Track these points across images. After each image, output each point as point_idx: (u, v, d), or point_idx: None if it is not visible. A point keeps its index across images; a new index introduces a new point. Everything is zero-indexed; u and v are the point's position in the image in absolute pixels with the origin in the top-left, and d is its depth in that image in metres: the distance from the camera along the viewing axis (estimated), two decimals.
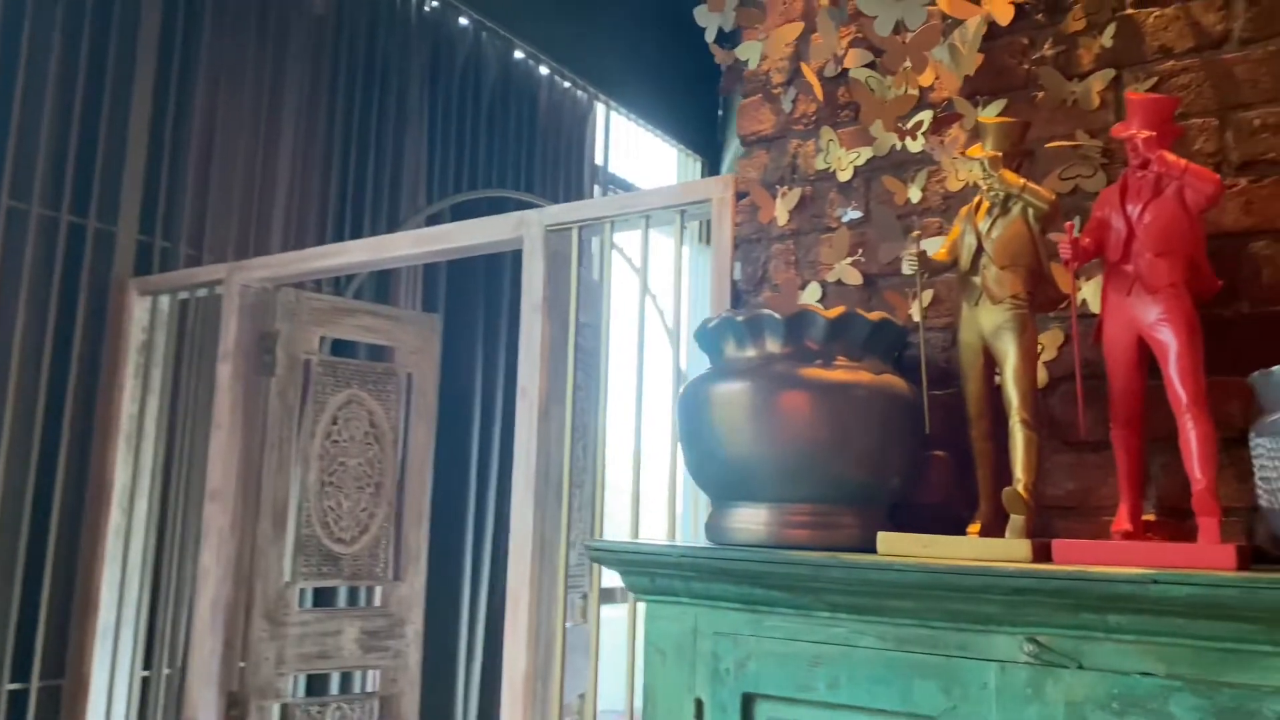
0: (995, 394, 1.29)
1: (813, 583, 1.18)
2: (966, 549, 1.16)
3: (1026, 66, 1.53)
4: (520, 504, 1.98)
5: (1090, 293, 1.40)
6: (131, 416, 2.69)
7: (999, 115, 1.51)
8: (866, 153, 1.65)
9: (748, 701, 1.24)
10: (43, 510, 2.56)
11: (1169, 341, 1.14)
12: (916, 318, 1.53)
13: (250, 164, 3.05)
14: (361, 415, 2.79)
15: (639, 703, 1.94)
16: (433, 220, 3.37)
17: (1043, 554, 1.13)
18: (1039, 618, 1.03)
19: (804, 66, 1.71)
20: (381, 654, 2.76)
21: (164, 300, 2.76)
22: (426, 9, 3.64)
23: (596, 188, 4.39)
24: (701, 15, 1.79)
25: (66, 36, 2.65)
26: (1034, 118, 1.48)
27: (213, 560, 2.50)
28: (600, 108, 4.48)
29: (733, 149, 4.89)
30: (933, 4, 1.54)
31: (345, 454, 2.74)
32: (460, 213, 3.21)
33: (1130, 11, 1.45)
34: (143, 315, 2.73)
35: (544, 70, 4.12)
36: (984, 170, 1.28)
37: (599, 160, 4.46)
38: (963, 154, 1.54)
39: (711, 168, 5.13)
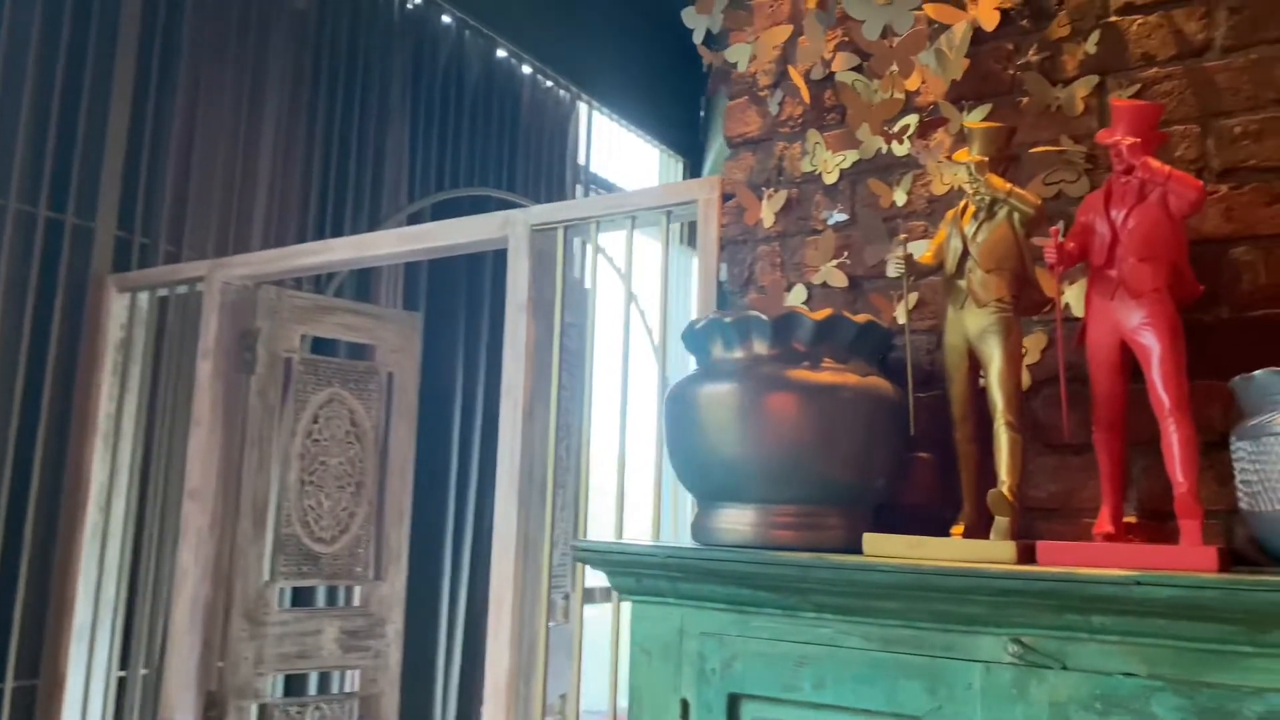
0: (979, 396, 1.30)
1: (799, 583, 1.18)
2: (952, 550, 1.17)
3: (1011, 72, 1.54)
4: (504, 504, 1.98)
5: (1073, 297, 1.42)
6: (109, 415, 2.66)
7: (984, 120, 1.53)
8: (852, 156, 1.66)
9: (733, 701, 1.25)
10: (18, 509, 2.53)
11: (1152, 346, 1.15)
12: (901, 320, 1.54)
13: (231, 161, 3.03)
14: (342, 414, 2.78)
15: (622, 702, 1.94)
16: (414, 219, 3.36)
17: (1027, 555, 1.14)
18: (1024, 619, 1.04)
19: (791, 69, 1.71)
20: (362, 654, 2.75)
21: (143, 297, 2.74)
22: (409, 6, 3.63)
23: (579, 187, 4.38)
24: (689, 17, 1.80)
25: (45, 29, 2.62)
26: (1019, 123, 1.49)
27: (191, 559, 2.48)
28: (583, 107, 4.48)
29: (715, 150, 4.91)
30: (919, 9, 1.55)
31: (326, 453, 2.73)
32: (442, 211, 3.21)
33: (1114, 19, 1.47)
34: (121, 312, 2.71)
35: (526, 69, 4.12)
36: (970, 175, 1.29)
37: (581, 160, 4.46)
38: (948, 158, 1.55)
39: (693, 169, 5.15)
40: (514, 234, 2.06)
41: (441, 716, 3.44)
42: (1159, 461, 1.17)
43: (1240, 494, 1.10)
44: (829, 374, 1.30)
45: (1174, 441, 1.13)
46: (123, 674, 2.66)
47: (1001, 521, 1.21)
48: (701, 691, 1.26)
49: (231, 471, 2.56)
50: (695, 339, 1.40)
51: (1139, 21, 1.45)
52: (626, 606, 1.46)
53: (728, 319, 1.35)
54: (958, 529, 1.30)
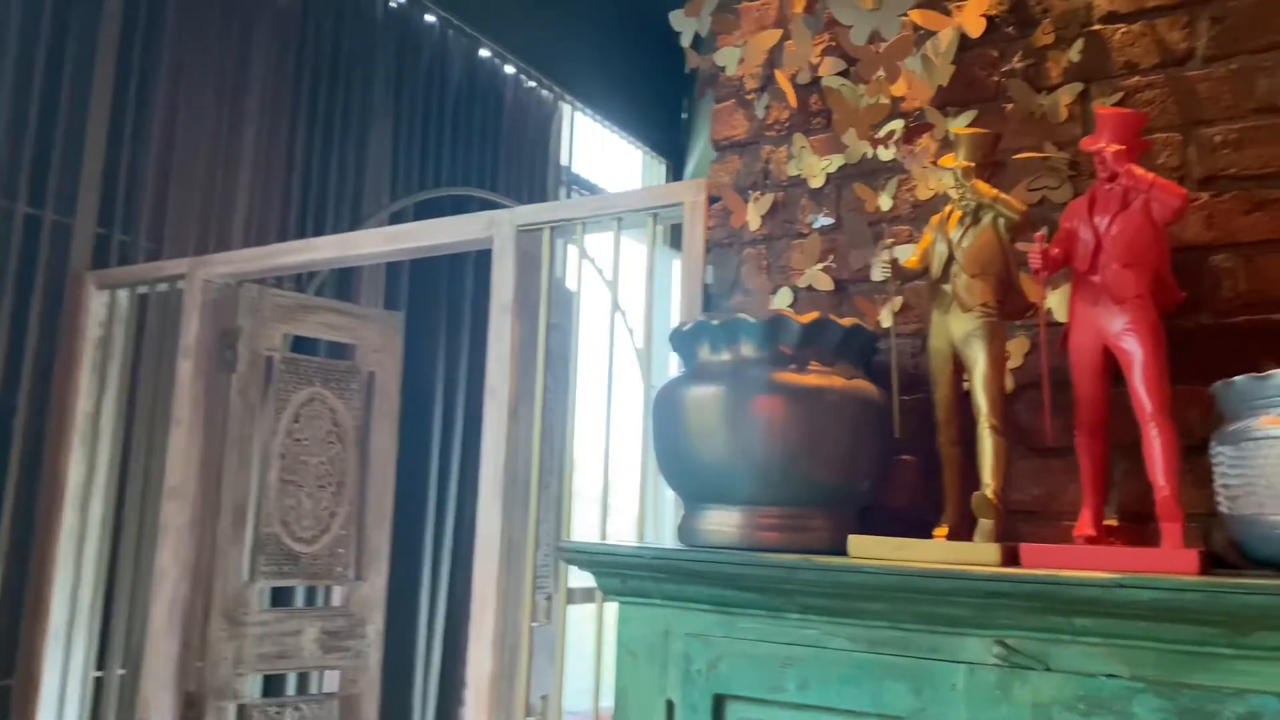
0: (963, 400, 1.32)
1: (786, 585, 1.19)
2: (937, 552, 1.18)
3: (996, 78, 1.55)
4: (487, 504, 1.98)
5: (1055, 302, 1.43)
6: (87, 413, 2.64)
7: (969, 126, 1.54)
8: (838, 160, 1.67)
9: (719, 702, 1.25)
10: None
11: (1135, 351, 1.17)
12: (886, 324, 1.55)
13: (212, 158, 3.01)
14: (323, 413, 2.77)
15: (604, 703, 1.94)
16: (396, 218, 3.35)
17: (1010, 558, 1.15)
18: (1009, 620, 1.05)
19: (778, 73, 1.72)
20: (342, 654, 2.74)
21: (122, 294, 2.72)
22: (392, 5, 3.62)
23: (561, 189, 4.38)
24: (678, 20, 1.80)
25: (25, 23, 2.60)
26: (1003, 129, 1.51)
27: (171, 559, 2.46)
28: (565, 108, 4.48)
29: (698, 152, 4.92)
30: (906, 15, 1.57)
31: (307, 452, 2.71)
32: (424, 211, 3.20)
33: (1098, 27, 1.48)
34: (100, 309, 2.69)
35: (509, 69, 4.11)
36: (957, 180, 1.30)
37: (564, 161, 4.46)
38: (934, 163, 1.57)
39: (676, 171, 5.15)
40: (499, 234, 2.06)
41: (421, 717, 3.43)
42: (1139, 465, 1.18)
43: (1220, 498, 1.12)
44: (815, 377, 1.31)
45: (1156, 446, 1.14)
46: (99, 674, 2.64)
47: (985, 524, 1.22)
48: (687, 692, 1.26)
49: (211, 471, 2.54)
50: (682, 341, 1.41)
51: (1122, 30, 1.47)
52: (610, 607, 1.46)
53: (715, 321, 1.35)
54: (941, 531, 1.31)
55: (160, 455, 2.60)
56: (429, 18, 3.76)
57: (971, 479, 1.27)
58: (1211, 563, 1.11)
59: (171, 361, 2.60)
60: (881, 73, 1.60)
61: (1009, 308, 1.33)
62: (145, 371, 2.74)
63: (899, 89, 1.60)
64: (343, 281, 3.30)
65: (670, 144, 5.16)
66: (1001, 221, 1.29)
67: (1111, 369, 1.23)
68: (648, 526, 1.88)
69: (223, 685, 2.48)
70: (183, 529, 2.47)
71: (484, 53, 3.99)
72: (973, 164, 1.31)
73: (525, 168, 4.14)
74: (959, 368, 1.33)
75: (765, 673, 1.22)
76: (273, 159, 3.18)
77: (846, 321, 1.35)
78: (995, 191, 1.29)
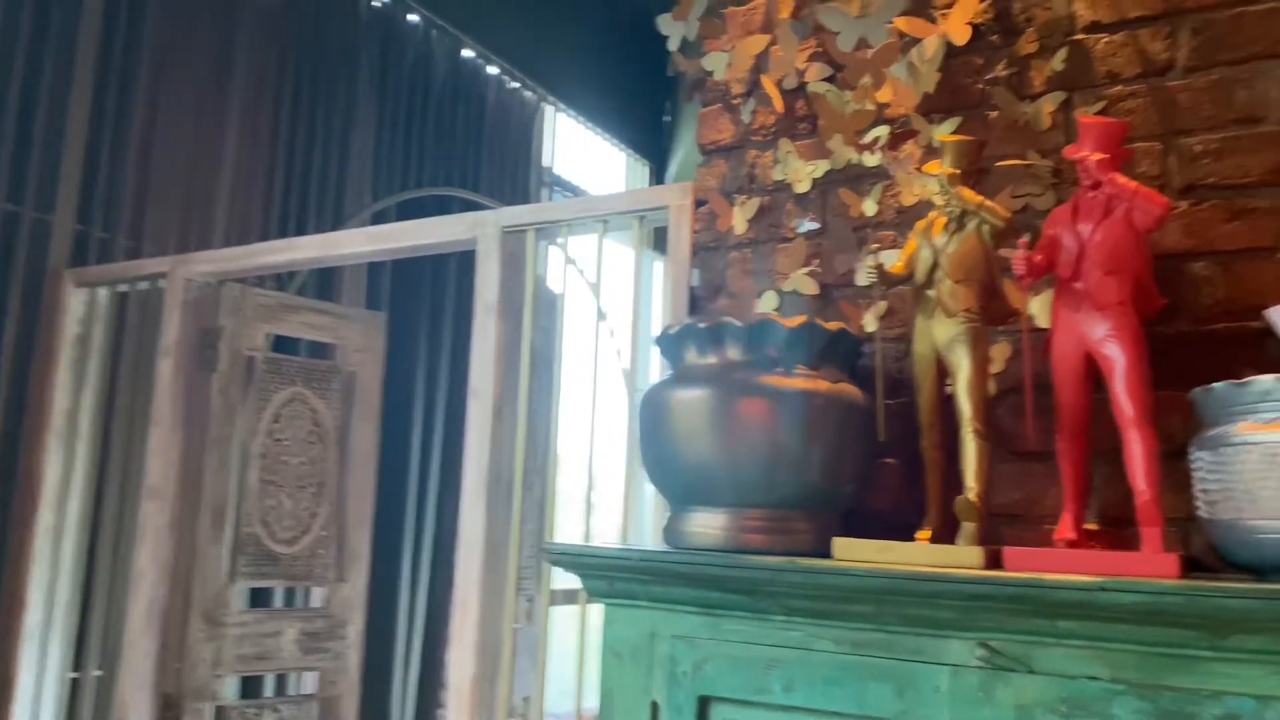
0: (946, 404, 1.33)
1: (771, 587, 1.20)
2: (921, 555, 1.19)
3: (980, 86, 1.57)
4: (470, 506, 1.98)
5: (1038, 308, 1.45)
6: (65, 412, 2.62)
7: (954, 133, 1.55)
8: (824, 165, 1.68)
9: (703, 704, 1.26)
10: None
11: (1117, 357, 1.18)
12: (870, 328, 1.56)
13: (193, 156, 3.00)
14: (304, 414, 2.75)
15: (587, 705, 1.94)
16: (378, 218, 3.34)
17: (993, 561, 1.16)
18: (992, 623, 1.07)
19: (764, 78, 1.73)
20: (321, 655, 2.73)
21: (102, 292, 2.70)
22: (376, 4, 3.61)
23: (543, 190, 4.38)
24: (665, 24, 1.81)
25: (5, 16, 2.57)
26: (987, 136, 1.52)
27: (149, 559, 2.44)
28: (548, 109, 4.48)
29: (680, 155, 4.93)
30: (892, 22, 1.58)
31: (287, 453, 2.70)
32: (406, 211, 3.19)
33: (1081, 37, 1.50)
34: (79, 307, 2.66)
35: (492, 70, 4.11)
36: (942, 187, 1.32)
37: (546, 162, 4.46)
38: (918, 170, 1.58)
39: (658, 173, 5.16)
40: (484, 235, 2.06)
41: (400, 718, 3.42)
42: (1120, 470, 1.20)
43: (1199, 502, 1.14)
44: (801, 380, 1.32)
45: (1137, 451, 1.16)
46: (75, 675, 2.61)
47: (968, 527, 1.23)
48: (672, 694, 1.27)
49: (191, 471, 2.53)
50: (669, 344, 1.42)
51: (1105, 40, 1.49)
52: (593, 609, 1.46)
53: (702, 324, 1.36)
54: (923, 534, 1.32)
55: (139, 454, 2.58)
56: (412, 17, 3.75)
57: (954, 482, 1.28)
58: (1190, 567, 1.12)
59: (151, 360, 2.58)
60: (867, 79, 1.61)
61: (992, 313, 1.34)
62: (124, 370, 2.72)
63: (884, 95, 1.62)
64: (324, 281, 3.28)
65: (652, 146, 5.16)
66: (986, 228, 1.30)
67: (1093, 374, 1.24)
68: (630, 528, 1.89)
69: (201, 686, 2.46)
70: (162, 529, 2.45)
71: (467, 53, 3.99)
72: (958, 171, 1.33)
73: (508, 168, 4.13)
74: (942, 372, 1.34)
75: (750, 674, 1.22)
76: (254, 157, 3.16)
77: (832, 326, 1.36)
78: (980, 198, 1.30)
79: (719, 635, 1.25)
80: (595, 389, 1.93)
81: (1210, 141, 1.39)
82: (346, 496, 2.85)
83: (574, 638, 1.89)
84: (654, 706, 1.28)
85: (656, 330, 1.51)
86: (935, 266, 1.32)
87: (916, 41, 1.58)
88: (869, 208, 1.63)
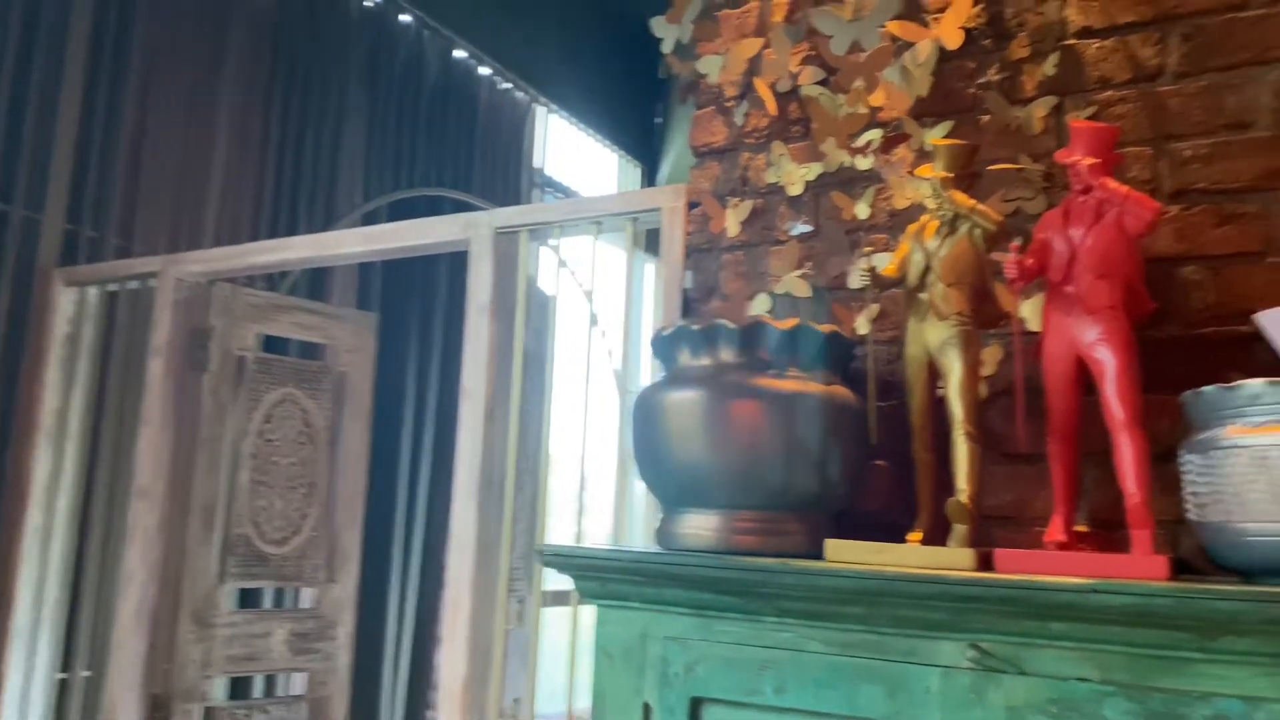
0: (938, 406, 1.33)
1: (764, 588, 1.20)
2: (913, 557, 1.20)
3: (973, 90, 1.58)
4: (462, 506, 1.98)
5: (1029, 311, 1.45)
6: (54, 411, 2.61)
7: (946, 137, 1.56)
8: (816, 168, 1.68)
9: (695, 705, 1.26)
10: None
11: (1107, 361, 1.19)
12: (863, 331, 1.57)
13: (184, 155, 2.99)
14: (295, 414, 2.75)
15: (578, 706, 1.94)
16: (369, 218, 3.33)
17: (984, 563, 1.17)
18: (983, 624, 1.07)
19: (757, 81, 1.74)
20: (311, 656, 2.72)
21: (92, 292, 2.69)
22: (368, 4, 3.61)
23: (535, 190, 4.38)
24: (659, 26, 1.81)
25: None
26: (979, 140, 1.53)
27: (139, 559, 2.44)
28: (540, 110, 4.48)
29: (671, 156, 4.93)
30: (885, 26, 1.59)
31: (278, 453, 2.69)
32: (397, 211, 3.18)
33: (1072, 42, 1.51)
34: (68, 306, 2.66)
35: (484, 70, 4.11)
36: (935, 191, 1.32)
37: (537, 163, 4.46)
38: (910, 173, 1.59)
39: (649, 175, 5.17)
40: (477, 236, 2.06)
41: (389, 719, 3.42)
42: (1110, 472, 1.20)
43: (1189, 505, 1.14)
44: (794, 383, 1.33)
45: (1127, 454, 1.17)
46: (63, 676, 2.60)
47: (960, 529, 1.24)
48: (664, 695, 1.27)
49: (181, 471, 2.52)
50: (663, 345, 1.42)
51: (1096, 45, 1.50)
52: (584, 610, 1.46)
53: (695, 326, 1.36)
54: (914, 535, 1.32)
55: (128, 454, 2.57)
56: (404, 18, 3.74)
57: (945, 484, 1.29)
58: (1180, 569, 1.13)
59: (141, 360, 2.57)
60: (860, 83, 1.61)
61: (984, 317, 1.35)
62: (114, 370, 2.71)
63: (877, 99, 1.62)
64: (315, 281, 3.28)
65: (643, 147, 5.17)
66: (978, 232, 1.31)
67: (1084, 378, 1.25)
68: (621, 529, 1.89)
69: (190, 687, 2.46)
70: (151, 529, 2.45)
71: (459, 53, 3.98)
72: (950, 175, 1.33)
73: (499, 169, 4.13)
74: (934, 375, 1.34)
75: (742, 676, 1.23)
76: (245, 157, 3.16)
77: (825, 328, 1.37)
78: (972, 202, 1.31)
79: (711, 636, 1.26)
80: (587, 390, 1.93)
81: (1200, 147, 1.40)
82: (337, 497, 2.85)
83: (565, 639, 1.89)
84: (646, 708, 1.28)
85: (647, 332, 1.52)
86: (927, 270, 1.33)
87: (909, 45, 1.59)
88: (861, 211, 1.64)
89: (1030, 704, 1.05)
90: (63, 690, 2.60)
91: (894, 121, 1.63)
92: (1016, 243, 1.27)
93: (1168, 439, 1.30)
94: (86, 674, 2.62)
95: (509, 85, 4.24)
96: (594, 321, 1.98)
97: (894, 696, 1.13)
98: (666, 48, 1.84)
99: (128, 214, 2.84)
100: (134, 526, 2.45)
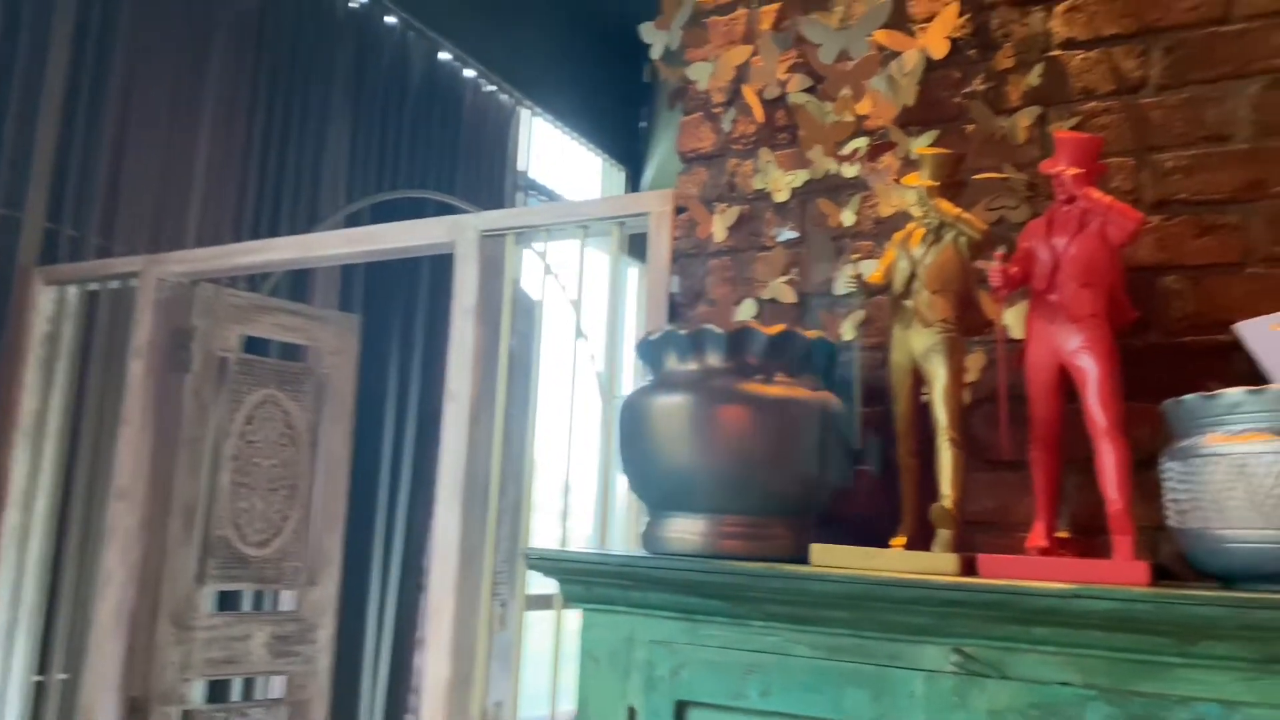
0: (922, 412, 1.35)
1: (750, 592, 1.21)
2: (898, 562, 1.21)
3: (958, 100, 1.59)
4: (445, 509, 1.98)
5: (1012, 319, 1.47)
6: (32, 411, 2.58)
7: (931, 146, 1.58)
8: (803, 175, 1.70)
9: (681, 709, 1.26)
10: None
11: (1090, 369, 1.21)
12: (848, 337, 1.58)
13: (166, 154, 2.97)
14: (277, 416, 2.74)
15: (561, 710, 1.95)
16: (352, 219, 3.33)
17: (968, 568, 1.18)
18: (967, 629, 1.08)
19: (745, 88, 1.75)
20: (291, 659, 2.71)
21: (71, 291, 2.67)
22: (353, 5, 3.60)
23: (519, 193, 4.38)
24: (648, 32, 1.82)
25: None
26: (964, 149, 1.54)
27: (118, 561, 2.42)
28: (524, 113, 4.48)
29: (656, 161, 4.94)
30: (872, 35, 1.60)
31: (259, 454, 2.68)
32: (380, 213, 3.18)
33: (1057, 53, 1.53)
34: (48, 306, 2.63)
35: (469, 73, 4.10)
36: (920, 199, 1.33)
37: (521, 166, 4.46)
38: (896, 181, 1.60)
39: (634, 179, 5.17)
40: (462, 239, 2.06)
41: None
42: (1091, 479, 1.22)
43: (1169, 511, 1.16)
44: (781, 388, 1.33)
45: (1109, 461, 1.18)
46: (40, 678, 2.58)
47: (944, 534, 1.25)
48: (649, 699, 1.28)
49: (161, 472, 2.50)
50: (649, 350, 1.42)
51: (1080, 56, 1.51)
52: (568, 614, 1.47)
53: (683, 331, 1.37)
54: (898, 540, 1.34)
55: (108, 455, 2.56)
56: (389, 19, 3.74)
57: (929, 490, 1.30)
58: (1160, 575, 1.15)
59: (121, 360, 2.55)
60: (847, 91, 1.63)
61: (968, 324, 1.36)
62: (94, 370, 2.69)
63: (864, 107, 1.64)
64: (298, 283, 3.26)
65: (628, 152, 5.18)
66: (963, 240, 1.32)
67: (1066, 385, 1.26)
68: (603, 532, 1.89)
69: (168, 690, 2.44)
70: (130, 530, 2.43)
71: (444, 55, 3.98)
72: (936, 183, 1.35)
73: (483, 172, 4.13)
74: (919, 381, 1.35)
75: (728, 680, 1.23)
76: (228, 157, 3.14)
77: (811, 334, 1.38)
78: (957, 210, 1.32)
79: (697, 640, 1.26)
80: (573, 394, 1.93)
81: (1181, 158, 1.42)
82: (318, 500, 2.84)
83: (547, 643, 1.90)
84: (631, 711, 1.29)
85: (631, 337, 1.52)
86: (913, 277, 1.34)
87: (896, 55, 1.60)
88: (847, 218, 1.65)
89: (1013, 708, 1.06)
90: (39, 693, 2.57)
91: (880, 130, 1.64)
92: (1001, 251, 1.28)
93: (1148, 446, 1.32)
94: (63, 676, 2.59)
95: (494, 88, 4.24)
96: (578, 326, 1.98)
97: (878, 700, 1.14)
98: (655, 53, 1.84)
99: (109, 213, 2.82)
100: (113, 527, 2.43)
